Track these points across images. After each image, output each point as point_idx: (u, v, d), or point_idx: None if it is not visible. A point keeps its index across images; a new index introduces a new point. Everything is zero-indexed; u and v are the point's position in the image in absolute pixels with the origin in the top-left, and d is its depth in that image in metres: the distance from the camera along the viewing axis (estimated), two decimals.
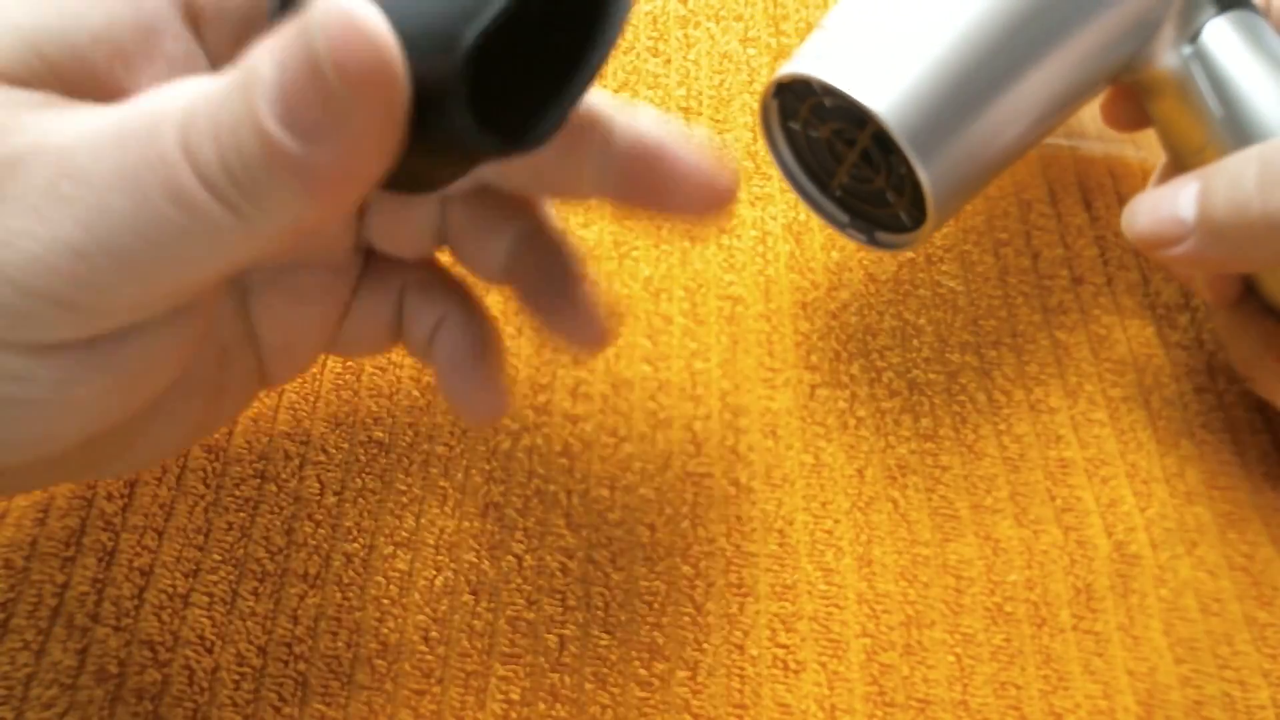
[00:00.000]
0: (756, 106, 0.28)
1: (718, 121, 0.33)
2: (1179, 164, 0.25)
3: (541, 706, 0.23)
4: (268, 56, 0.13)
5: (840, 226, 0.26)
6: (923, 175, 0.22)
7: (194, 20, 0.17)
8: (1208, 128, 0.24)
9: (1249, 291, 0.25)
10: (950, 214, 0.23)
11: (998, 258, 0.30)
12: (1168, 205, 0.22)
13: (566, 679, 0.23)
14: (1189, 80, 0.24)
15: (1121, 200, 0.31)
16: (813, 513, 0.26)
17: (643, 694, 0.23)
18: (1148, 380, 0.27)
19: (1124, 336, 0.28)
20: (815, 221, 0.30)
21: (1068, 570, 0.24)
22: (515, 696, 0.23)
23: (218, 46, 0.17)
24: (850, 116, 0.23)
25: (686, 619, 0.24)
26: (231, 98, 0.13)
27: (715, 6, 0.35)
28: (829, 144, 0.24)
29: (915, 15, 0.22)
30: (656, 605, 0.24)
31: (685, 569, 0.25)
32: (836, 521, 0.25)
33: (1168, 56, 0.24)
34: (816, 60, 0.22)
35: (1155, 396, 0.27)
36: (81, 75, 0.15)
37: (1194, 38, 0.23)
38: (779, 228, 0.30)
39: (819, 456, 0.26)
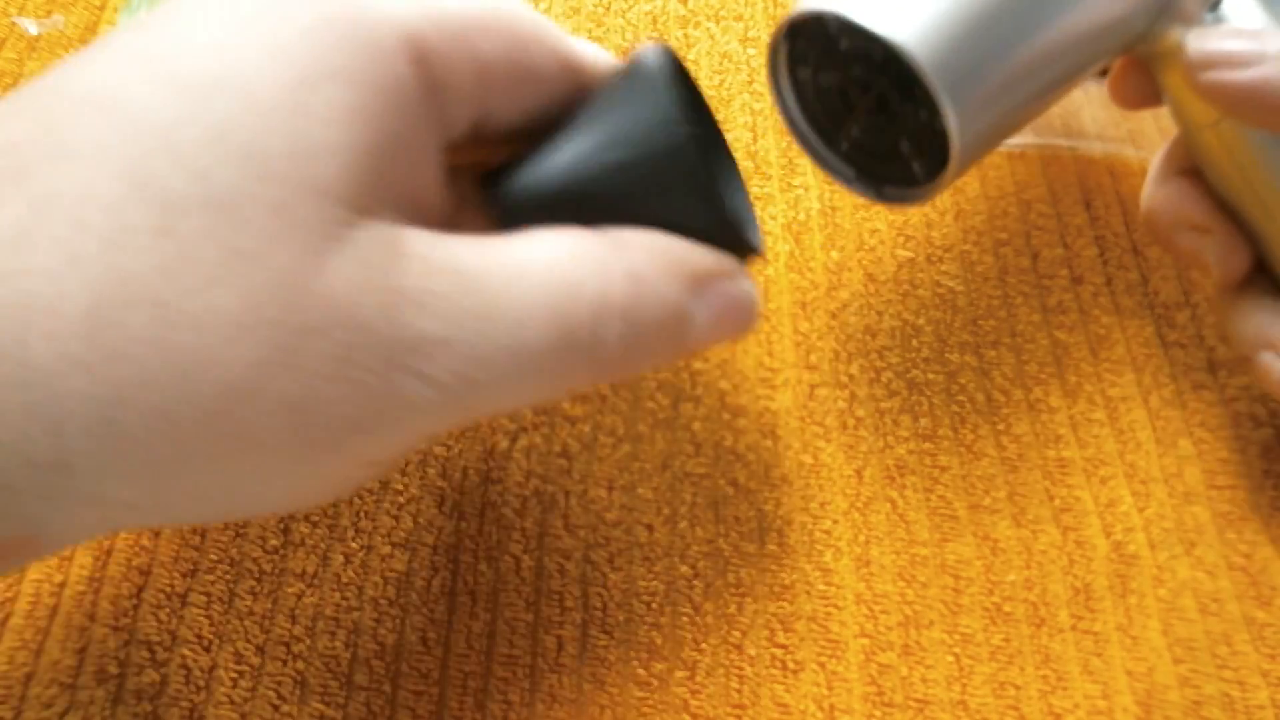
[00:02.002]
0: (765, 53, 0.27)
1: (718, 121, 0.33)
2: (1191, 138, 0.24)
3: (540, 708, 0.23)
4: (703, 313, 0.19)
5: (847, 181, 0.25)
6: (949, 116, 0.20)
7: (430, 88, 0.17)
8: None
9: (1258, 270, 0.25)
10: (970, 162, 0.22)
11: (997, 258, 0.30)
12: (1249, 34, 0.21)
13: (565, 680, 0.23)
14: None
15: (1121, 200, 0.31)
16: (811, 513, 0.26)
17: (641, 694, 0.23)
18: (1146, 380, 0.27)
19: (1123, 336, 0.28)
20: (815, 221, 0.30)
21: (1066, 570, 0.24)
22: (514, 698, 0.23)
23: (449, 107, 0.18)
24: (868, 59, 0.22)
25: (685, 619, 0.24)
26: (663, 324, 0.18)
27: (715, 6, 0.35)
28: (840, 92, 0.23)
29: None
30: (655, 606, 0.24)
31: (683, 569, 0.25)
32: (835, 522, 0.25)
33: (1189, 23, 0.23)
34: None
35: (1154, 396, 0.27)
36: (405, 194, 0.17)
37: (1215, 5, 0.23)
38: (778, 227, 0.30)
39: (818, 457, 0.26)
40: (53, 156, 0.14)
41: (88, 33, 0.38)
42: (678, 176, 0.18)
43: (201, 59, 0.15)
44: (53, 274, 0.13)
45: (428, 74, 0.16)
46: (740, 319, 0.19)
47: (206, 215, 0.14)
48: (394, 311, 0.15)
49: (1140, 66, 0.26)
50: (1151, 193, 0.25)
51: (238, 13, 0.15)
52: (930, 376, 0.28)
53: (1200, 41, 0.22)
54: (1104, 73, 0.27)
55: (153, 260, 0.14)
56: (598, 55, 0.20)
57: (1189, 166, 0.25)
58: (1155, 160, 0.26)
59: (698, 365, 0.28)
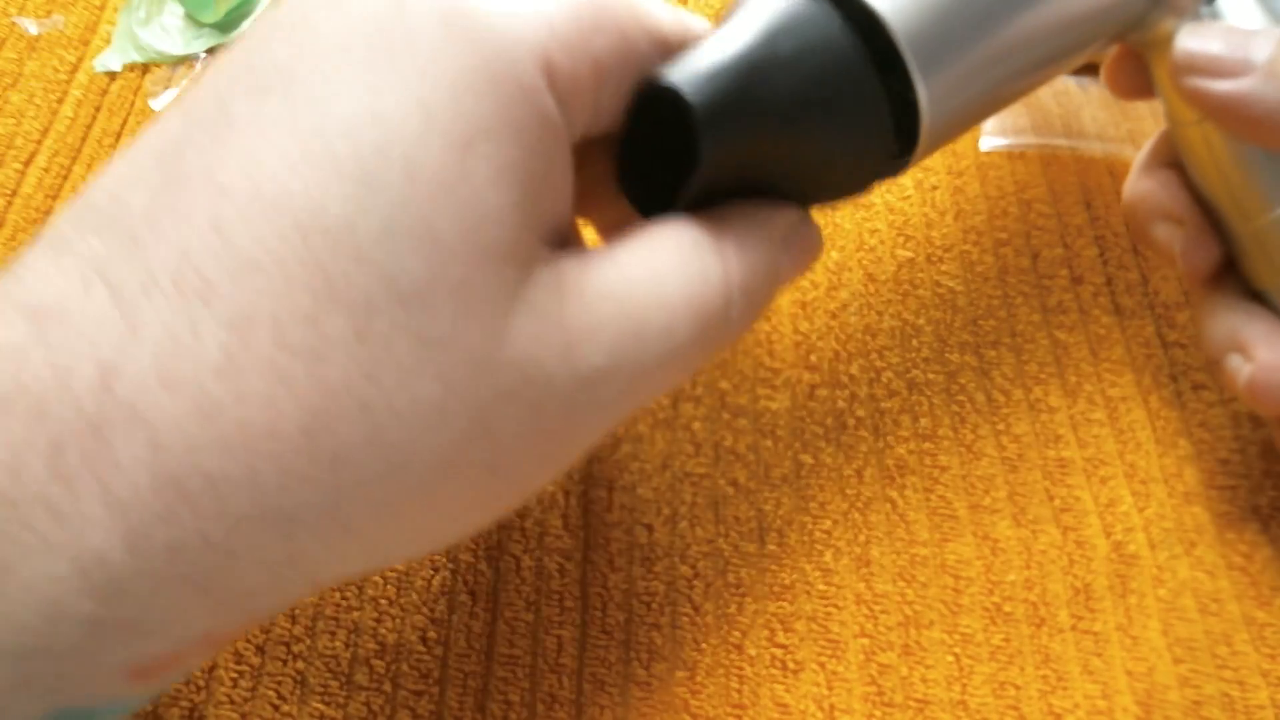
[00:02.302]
0: None
1: None
2: (1175, 132, 0.24)
3: (540, 708, 0.23)
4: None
5: None
6: (920, 90, 0.20)
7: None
8: None
9: (1226, 271, 0.24)
10: (941, 141, 0.22)
11: (997, 257, 0.30)
12: (1237, 39, 0.21)
13: (565, 680, 0.23)
14: None
15: (1121, 200, 0.30)
16: (811, 513, 0.26)
17: (641, 694, 0.23)
18: (1146, 380, 0.27)
19: (1123, 336, 0.28)
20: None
21: (1066, 570, 0.24)
22: (514, 698, 0.23)
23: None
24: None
25: (685, 619, 0.24)
26: (767, 285, 0.19)
27: (715, 6, 0.35)
28: None
29: None
30: (655, 606, 0.24)
31: (683, 569, 0.25)
32: (835, 522, 0.25)
33: (1182, 14, 0.22)
34: None
35: (1154, 396, 0.27)
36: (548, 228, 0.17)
37: None
38: None
39: (818, 457, 0.26)
40: (234, 272, 0.14)
41: (88, 32, 0.38)
42: (850, 81, 0.18)
43: (354, 133, 0.14)
44: (266, 398, 0.13)
45: (558, 92, 0.16)
46: (810, 259, 0.21)
47: (396, 311, 0.14)
48: (570, 353, 0.16)
49: (1135, 55, 0.25)
50: (1133, 183, 0.25)
51: (373, 67, 0.15)
52: (930, 376, 0.28)
53: (1187, 40, 0.21)
54: (1093, 69, 0.27)
55: (355, 368, 0.14)
56: (686, 27, 0.19)
57: (1173, 160, 0.25)
58: (1141, 152, 0.26)
59: None
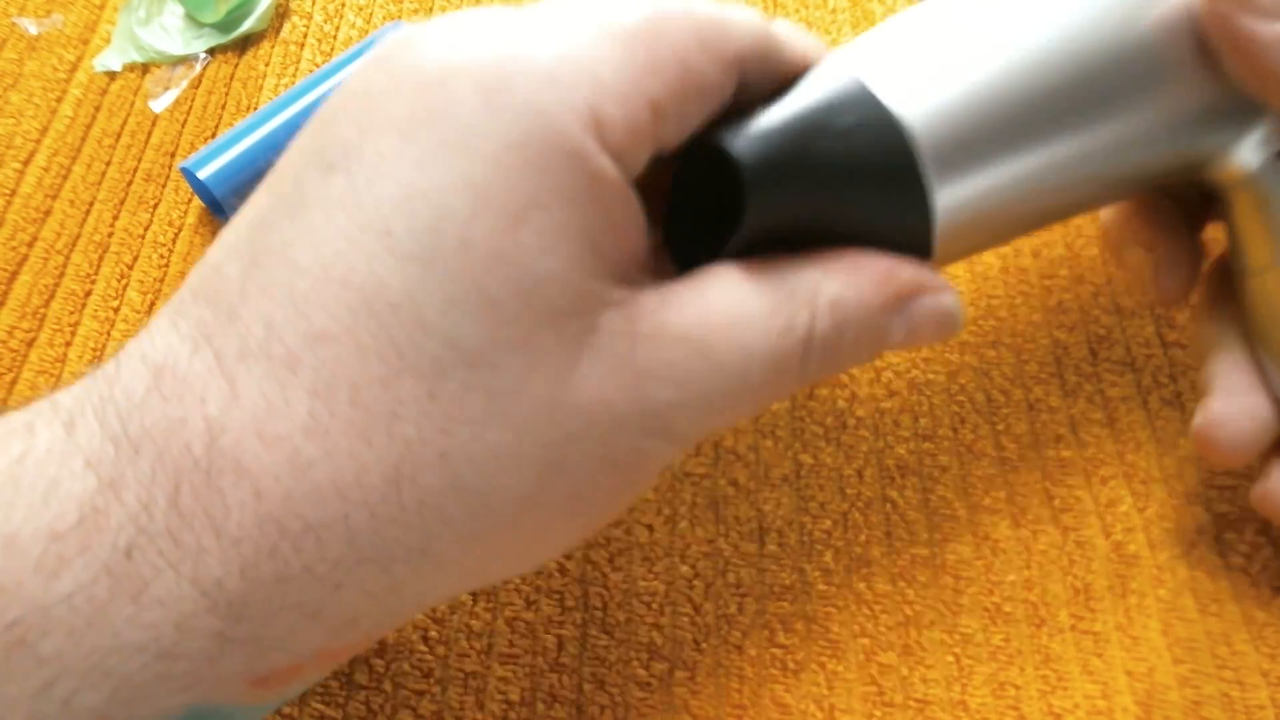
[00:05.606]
0: None
1: None
2: (1246, 282, 0.22)
3: (540, 707, 0.23)
4: (900, 326, 0.19)
5: None
6: (932, 198, 0.19)
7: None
8: (1279, 246, 0.21)
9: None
10: (966, 251, 0.21)
11: (998, 257, 0.30)
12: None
13: (565, 679, 0.23)
14: (1273, 190, 0.21)
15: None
16: (811, 513, 0.26)
17: (641, 694, 0.23)
18: (1146, 380, 0.27)
19: (1123, 337, 0.28)
20: None
21: (1066, 570, 0.24)
22: (514, 697, 0.23)
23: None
24: None
25: (685, 619, 0.24)
26: (860, 344, 0.19)
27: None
28: None
29: (963, 34, 0.19)
30: (655, 605, 0.24)
31: (683, 569, 0.25)
32: (835, 522, 0.25)
33: (1251, 157, 0.21)
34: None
35: (1154, 397, 0.27)
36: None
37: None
38: None
39: (818, 457, 0.26)
40: (313, 343, 0.15)
41: (87, 31, 0.38)
42: (891, 165, 0.18)
43: (409, 213, 0.15)
44: (350, 454, 0.15)
45: (612, 144, 0.16)
46: (941, 331, 0.20)
47: (463, 372, 0.15)
48: (639, 393, 0.16)
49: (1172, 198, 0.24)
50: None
51: (421, 145, 0.15)
52: (930, 376, 0.28)
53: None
54: None
55: (429, 424, 0.15)
56: (768, 36, 0.18)
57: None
58: (1200, 291, 0.25)
59: None
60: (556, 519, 0.17)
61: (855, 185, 0.18)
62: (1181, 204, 0.25)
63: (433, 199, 0.15)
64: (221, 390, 0.15)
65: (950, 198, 0.19)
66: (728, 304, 0.17)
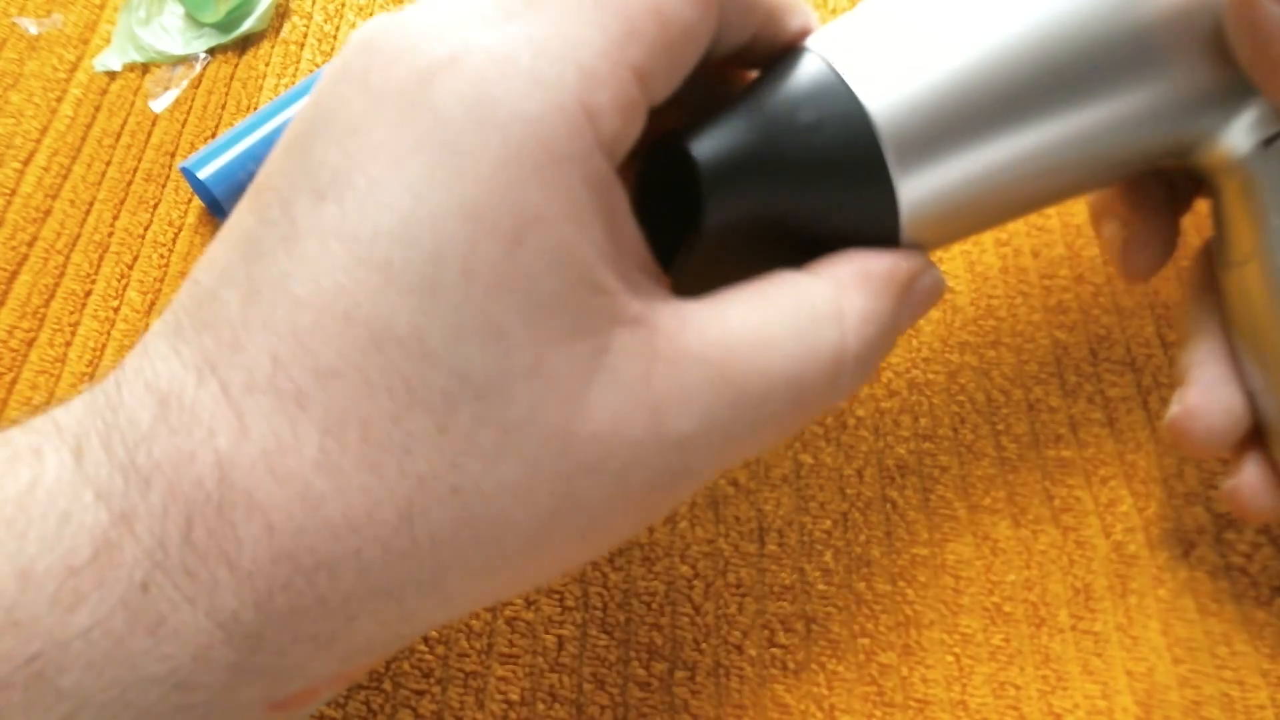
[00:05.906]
0: None
1: None
2: (1226, 272, 0.22)
3: (540, 707, 0.23)
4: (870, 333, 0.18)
5: None
6: (897, 187, 0.19)
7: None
8: (1261, 238, 0.20)
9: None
10: (937, 242, 0.20)
11: (998, 257, 0.30)
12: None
13: (565, 679, 0.23)
14: (1259, 178, 0.20)
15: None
16: (811, 513, 0.26)
17: (641, 694, 0.23)
18: (1146, 380, 0.27)
19: (1123, 337, 0.28)
20: None
21: (1066, 570, 0.24)
22: (514, 697, 0.23)
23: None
24: None
25: (685, 619, 0.24)
26: (884, 346, 0.18)
27: None
28: None
29: (934, 18, 0.19)
30: (655, 605, 0.24)
31: (683, 569, 0.25)
32: (835, 522, 0.25)
33: (1240, 142, 0.20)
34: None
35: (1154, 397, 0.27)
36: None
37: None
38: None
39: (818, 457, 0.26)
40: (320, 379, 0.15)
41: (87, 31, 0.38)
42: (857, 159, 0.18)
43: (408, 246, 0.15)
44: (362, 489, 0.15)
45: (607, 127, 0.16)
46: (930, 304, 0.20)
47: (474, 404, 0.15)
48: (656, 420, 0.16)
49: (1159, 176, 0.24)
50: None
51: (412, 168, 0.15)
52: (930, 376, 0.28)
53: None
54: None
55: (440, 458, 0.15)
56: (742, 26, 0.18)
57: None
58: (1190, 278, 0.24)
59: None
60: (567, 548, 0.17)
61: (820, 180, 0.18)
62: (1167, 183, 0.24)
63: (430, 227, 0.15)
64: (230, 424, 0.15)
65: (917, 189, 0.19)
66: (749, 326, 0.17)
